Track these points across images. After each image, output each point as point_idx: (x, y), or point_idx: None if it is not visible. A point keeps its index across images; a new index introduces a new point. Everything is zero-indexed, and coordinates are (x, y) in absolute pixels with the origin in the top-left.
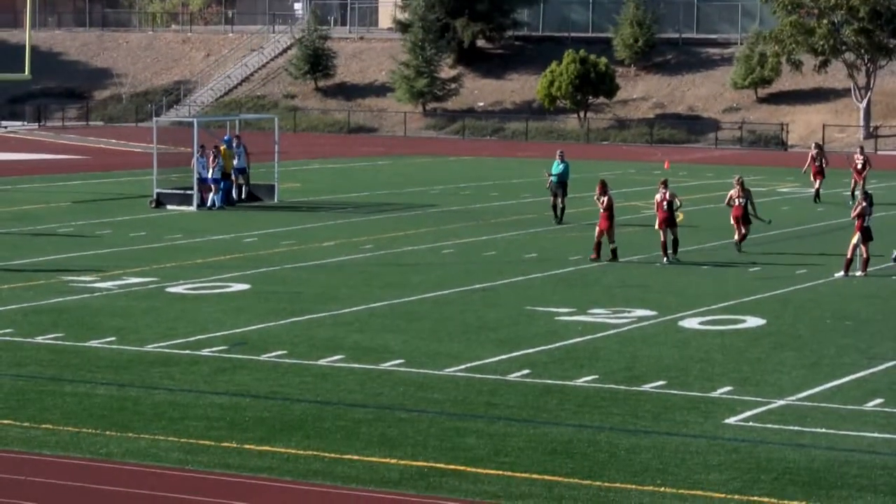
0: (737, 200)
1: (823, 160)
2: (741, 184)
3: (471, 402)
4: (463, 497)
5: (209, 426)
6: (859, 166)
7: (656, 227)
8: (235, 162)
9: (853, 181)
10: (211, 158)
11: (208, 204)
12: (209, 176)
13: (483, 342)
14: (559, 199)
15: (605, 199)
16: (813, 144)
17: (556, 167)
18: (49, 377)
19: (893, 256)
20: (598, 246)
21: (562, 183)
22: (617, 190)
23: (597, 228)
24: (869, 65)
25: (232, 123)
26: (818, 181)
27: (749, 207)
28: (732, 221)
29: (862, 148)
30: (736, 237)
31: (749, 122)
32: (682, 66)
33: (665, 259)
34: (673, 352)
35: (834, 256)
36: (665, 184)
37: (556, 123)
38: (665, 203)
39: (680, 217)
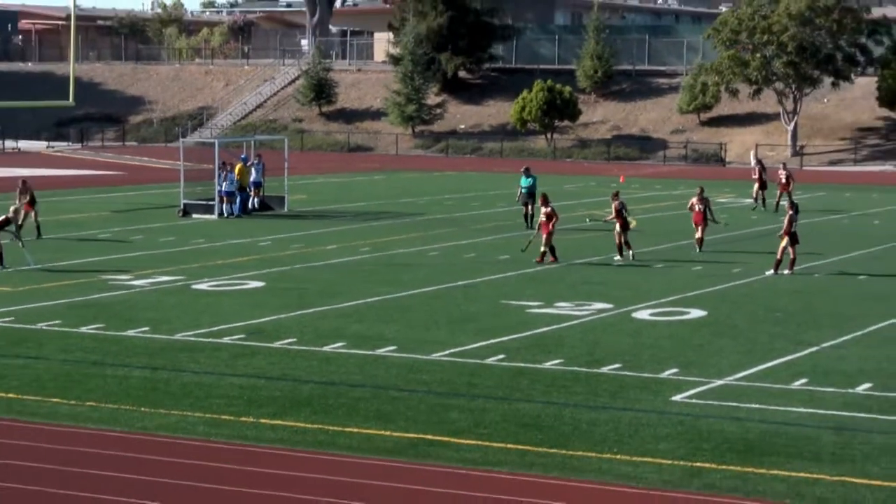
0: (697, 206)
1: (764, 173)
2: (701, 192)
3: (454, 383)
4: (448, 464)
5: (229, 403)
6: (783, 181)
7: (620, 229)
8: (252, 177)
9: (778, 193)
10: (224, 174)
11: (224, 213)
12: (224, 189)
13: (465, 331)
14: (529, 208)
15: (549, 208)
16: (754, 159)
17: (524, 181)
18: (92, 362)
19: None
20: (547, 251)
21: (531, 194)
22: (578, 200)
23: (543, 235)
24: (796, 92)
25: (248, 144)
26: (762, 192)
27: (707, 213)
28: (694, 224)
29: (784, 164)
30: (696, 238)
31: (693, 142)
32: (635, 94)
33: (618, 257)
34: (627, 339)
35: (765, 257)
36: (617, 195)
37: (526, 143)
38: (622, 211)
39: (633, 223)
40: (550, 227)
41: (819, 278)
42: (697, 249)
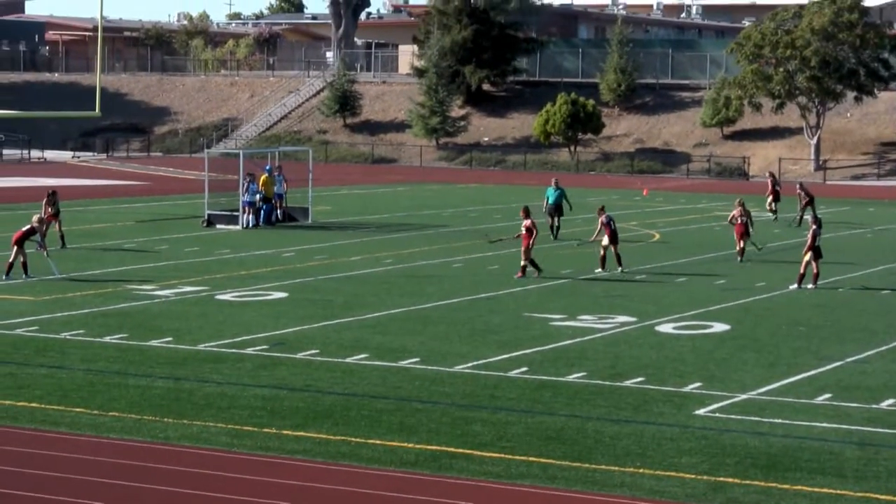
0: (738, 219)
1: (778, 186)
2: (742, 205)
3: (477, 395)
4: (470, 477)
5: (252, 414)
6: (804, 198)
7: (608, 242)
8: (275, 188)
9: (801, 209)
10: (245, 185)
11: (242, 224)
12: (245, 199)
13: (487, 343)
14: (555, 220)
15: (528, 221)
16: (768, 174)
17: (552, 193)
18: (115, 371)
19: None
20: (528, 265)
21: (557, 206)
22: None
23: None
24: (819, 107)
25: (272, 155)
26: (775, 204)
27: (749, 225)
28: (736, 237)
29: (801, 184)
30: (738, 248)
31: (716, 155)
32: (658, 108)
33: (599, 270)
34: (651, 352)
35: (788, 271)
36: (602, 209)
37: (550, 156)
38: (610, 224)
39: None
40: (531, 241)
41: (842, 293)
42: (739, 259)
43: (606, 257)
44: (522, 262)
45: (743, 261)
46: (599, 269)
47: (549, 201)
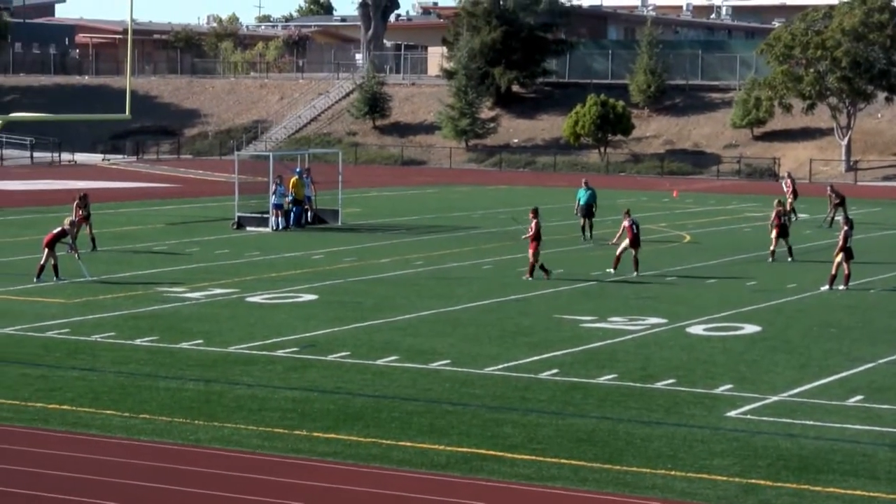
0: (778, 219)
1: (794, 184)
2: (781, 205)
3: (507, 397)
4: (501, 479)
5: (283, 416)
6: (835, 200)
7: (628, 245)
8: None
9: (832, 210)
10: (274, 187)
11: (271, 227)
12: (273, 201)
13: (518, 345)
14: (586, 221)
15: (534, 222)
16: (787, 174)
17: (583, 194)
18: (146, 374)
19: None
20: (534, 268)
21: (588, 207)
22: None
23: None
24: (850, 108)
25: (302, 157)
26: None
27: (788, 225)
28: (774, 237)
29: (832, 185)
30: (786, 248)
31: (746, 156)
32: (688, 109)
33: (611, 270)
34: (681, 354)
35: (819, 272)
36: (628, 213)
37: (580, 157)
38: (633, 227)
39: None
40: (537, 244)
41: (874, 294)
42: (790, 259)
43: (621, 259)
44: (531, 262)
45: (792, 259)
46: (611, 270)
47: (581, 202)
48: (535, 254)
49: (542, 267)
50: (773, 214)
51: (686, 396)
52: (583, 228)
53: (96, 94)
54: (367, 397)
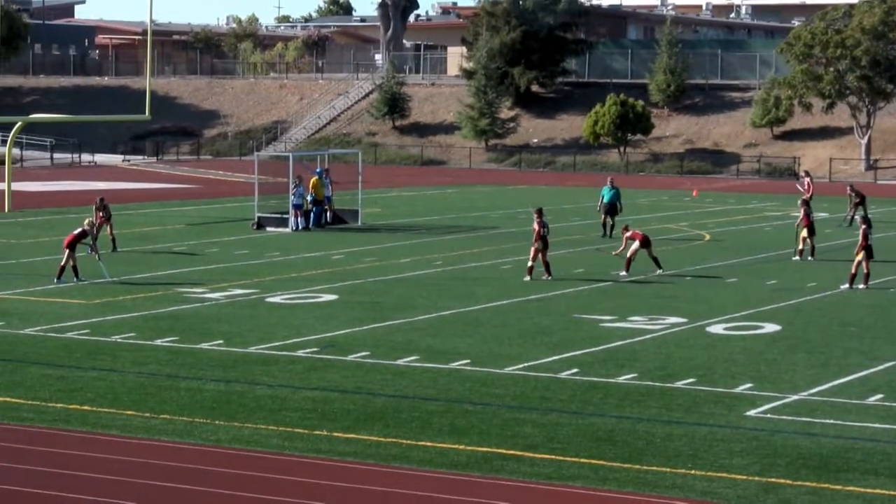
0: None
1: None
2: (807, 205)
3: (527, 397)
4: (521, 478)
5: (303, 417)
6: (855, 200)
7: (639, 246)
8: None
9: (852, 209)
10: (292, 188)
11: (290, 227)
12: (292, 202)
13: (538, 345)
14: (609, 219)
15: (535, 223)
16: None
17: (607, 192)
18: (166, 374)
19: None
20: (531, 269)
21: (612, 205)
22: (651, 214)
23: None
24: (869, 106)
25: (322, 158)
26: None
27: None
28: (801, 236)
29: (851, 185)
30: (809, 247)
31: (766, 156)
32: (708, 108)
33: (624, 273)
34: (701, 353)
35: (839, 271)
36: (626, 227)
37: (599, 157)
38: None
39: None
40: (537, 245)
41: (894, 293)
42: (811, 258)
43: (633, 260)
44: (544, 262)
45: (814, 258)
46: (624, 272)
47: (604, 200)
48: (535, 255)
49: (529, 269)
50: (802, 214)
51: (706, 396)
52: (604, 225)
53: (116, 95)
54: (387, 397)
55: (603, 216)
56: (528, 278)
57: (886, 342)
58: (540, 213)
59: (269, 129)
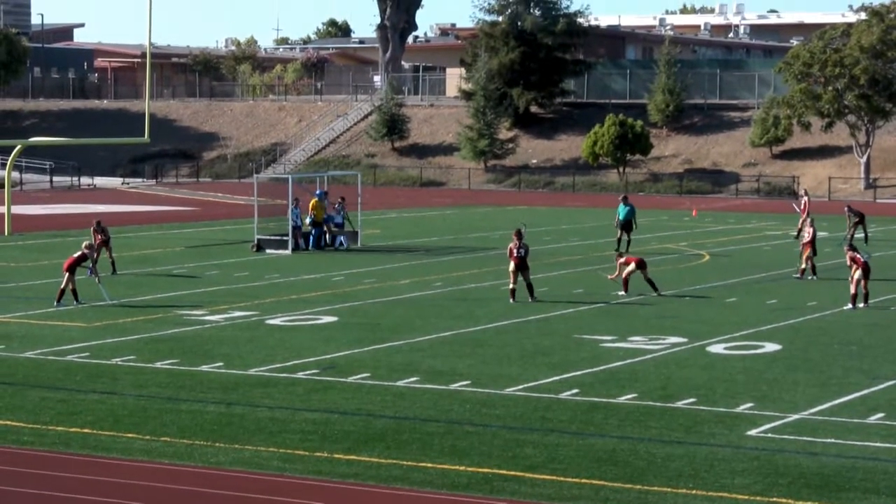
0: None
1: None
2: (812, 224)
3: (528, 417)
4: (522, 499)
5: (304, 438)
6: (855, 220)
7: (634, 268)
8: (336, 219)
9: (852, 228)
10: (290, 209)
11: (290, 249)
12: (292, 224)
13: (538, 365)
14: (624, 234)
15: (511, 244)
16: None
17: (622, 209)
18: (167, 397)
19: None
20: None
21: (627, 222)
22: (651, 234)
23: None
24: (868, 125)
25: (321, 179)
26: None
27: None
28: (805, 255)
29: (849, 206)
30: (807, 266)
31: (765, 175)
32: (707, 128)
33: (622, 292)
34: (702, 373)
35: (839, 291)
36: (620, 254)
37: (599, 177)
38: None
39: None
40: (513, 264)
41: (894, 312)
42: (812, 277)
43: (628, 278)
44: (511, 286)
45: (817, 276)
46: (622, 292)
47: (620, 217)
48: (514, 277)
49: (511, 291)
50: (811, 232)
51: (707, 415)
52: (618, 241)
53: (115, 118)
54: (388, 419)
55: (619, 232)
56: (512, 301)
57: (887, 361)
58: (519, 234)
59: (268, 151)
